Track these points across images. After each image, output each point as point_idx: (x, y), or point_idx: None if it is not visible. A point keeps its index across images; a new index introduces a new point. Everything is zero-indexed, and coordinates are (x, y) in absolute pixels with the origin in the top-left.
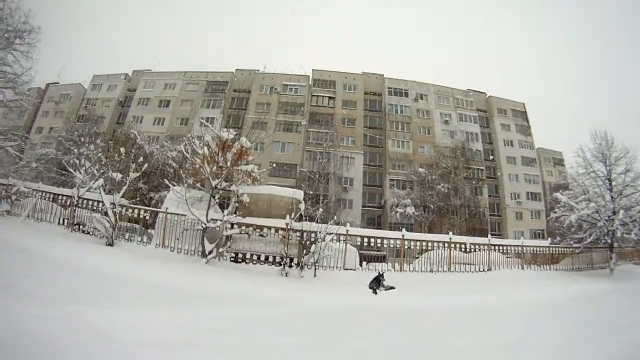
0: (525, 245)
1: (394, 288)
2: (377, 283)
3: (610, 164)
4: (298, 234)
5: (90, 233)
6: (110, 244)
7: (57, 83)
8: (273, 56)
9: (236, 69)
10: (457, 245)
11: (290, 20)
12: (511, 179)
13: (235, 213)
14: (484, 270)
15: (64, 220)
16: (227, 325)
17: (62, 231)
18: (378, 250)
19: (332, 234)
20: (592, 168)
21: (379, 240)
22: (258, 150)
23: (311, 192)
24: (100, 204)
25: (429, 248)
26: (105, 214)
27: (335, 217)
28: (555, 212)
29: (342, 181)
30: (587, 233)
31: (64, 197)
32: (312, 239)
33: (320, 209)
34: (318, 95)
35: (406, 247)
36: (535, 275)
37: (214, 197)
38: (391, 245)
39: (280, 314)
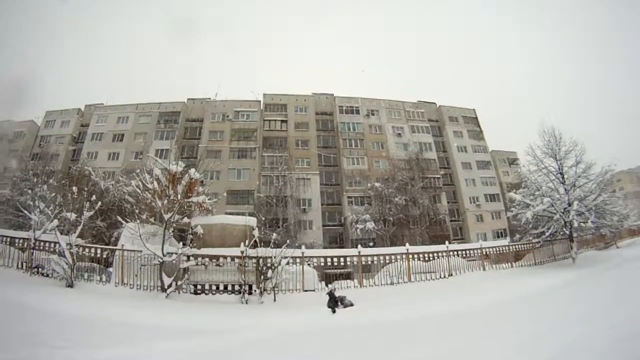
0: (483, 248)
1: (352, 305)
2: (333, 302)
3: (561, 158)
4: (254, 260)
5: (50, 275)
6: (70, 285)
7: (9, 120)
8: (224, 83)
9: (188, 99)
10: (416, 256)
11: (240, 45)
12: (468, 183)
13: (190, 245)
14: (445, 276)
15: (22, 263)
16: (182, 357)
17: (21, 275)
18: (342, 268)
19: (287, 257)
20: (544, 164)
21: (341, 259)
22: (214, 179)
23: (270, 217)
24: (57, 245)
25: (389, 261)
26: (63, 255)
27: (294, 240)
28: (512, 211)
29: (301, 203)
30: (545, 227)
31: (21, 240)
32: (269, 264)
33: (277, 234)
34: (270, 120)
35: (364, 262)
36: (496, 275)
37: (168, 230)
38: (354, 262)
39: (235, 340)
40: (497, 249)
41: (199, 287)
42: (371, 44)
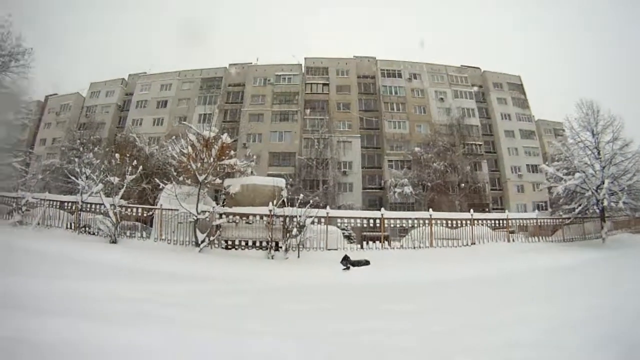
0: (510, 219)
1: (368, 263)
2: (347, 262)
3: (598, 133)
4: (281, 219)
5: (96, 233)
6: (114, 241)
7: (56, 94)
8: (265, 48)
9: (229, 64)
10: (439, 221)
11: (280, 11)
12: (510, 152)
13: (223, 204)
14: (467, 244)
15: (71, 224)
16: (186, 294)
17: (71, 234)
18: (379, 232)
19: (312, 216)
20: (580, 137)
21: (377, 221)
22: (256, 141)
23: (310, 179)
24: (102, 207)
25: (415, 225)
26: (107, 215)
27: (333, 202)
28: (545, 184)
29: (341, 165)
30: (576, 204)
31: (70, 203)
32: (294, 223)
33: (316, 196)
34: (312, 83)
35: (392, 225)
36: (520, 248)
37: (202, 190)
38: (392, 225)
39: (249, 287)
40: (524, 222)
41: (229, 242)
42: (419, 6)
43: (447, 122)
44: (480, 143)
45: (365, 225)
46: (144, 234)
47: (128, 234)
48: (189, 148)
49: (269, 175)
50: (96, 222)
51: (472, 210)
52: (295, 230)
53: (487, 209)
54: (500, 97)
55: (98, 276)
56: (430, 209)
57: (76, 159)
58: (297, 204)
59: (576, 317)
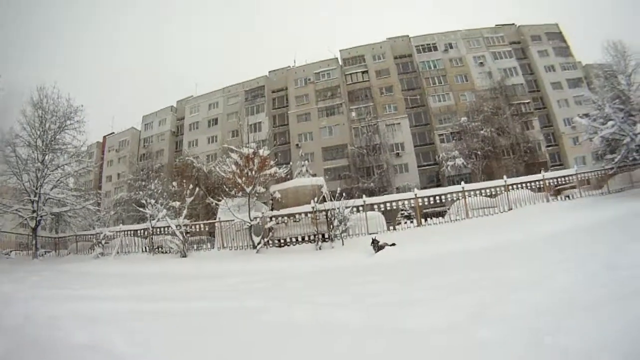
0: (545, 179)
1: (394, 244)
2: (375, 243)
3: (629, 74)
4: (324, 213)
5: (168, 252)
6: (184, 255)
7: (113, 133)
8: (301, 49)
9: (269, 71)
10: (472, 192)
11: (310, 10)
12: (560, 104)
13: (272, 208)
14: (505, 211)
15: (146, 247)
16: (258, 281)
17: (146, 256)
18: (440, 206)
19: (349, 207)
20: (611, 83)
21: (437, 198)
22: (307, 140)
23: (365, 166)
24: (169, 228)
25: (454, 199)
26: (175, 234)
27: (389, 185)
28: (584, 137)
29: (393, 148)
30: (617, 153)
31: (142, 230)
32: (336, 215)
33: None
34: (351, 73)
35: (420, 203)
36: (559, 207)
37: (252, 199)
38: (452, 198)
39: (285, 274)
40: (562, 180)
41: (281, 241)
42: None
43: (490, 86)
44: (528, 101)
45: (389, 208)
46: (209, 245)
47: (195, 247)
48: (232, 166)
49: (325, 169)
50: (166, 242)
51: (544, 170)
52: (336, 221)
53: (544, 168)
54: (541, 50)
55: (168, 280)
56: (505, 177)
57: (140, 192)
58: (335, 199)
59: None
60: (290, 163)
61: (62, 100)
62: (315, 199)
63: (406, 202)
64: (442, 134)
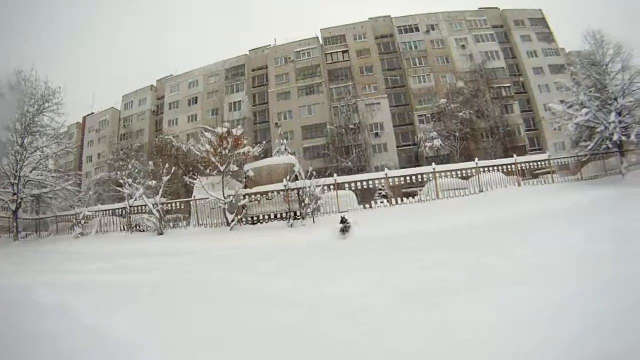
0: (518, 162)
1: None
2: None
3: (606, 64)
4: (295, 191)
5: (145, 230)
6: (161, 233)
7: (92, 113)
8: (282, 28)
9: (249, 50)
10: (443, 174)
11: None
12: (542, 90)
13: (245, 186)
14: (475, 193)
15: (124, 226)
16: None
17: (124, 234)
18: (415, 186)
19: (319, 185)
20: (588, 71)
21: (416, 177)
22: (287, 119)
23: (344, 145)
24: (146, 207)
25: (426, 180)
26: (151, 213)
27: (367, 164)
28: (558, 123)
29: (372, 127)
30: (591, 140)
31: (120, 209)
32: (307, 193)
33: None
34: (331, 52)
35: (390, 183)
36: (530, 191)
37: (225, 177)
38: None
39: (264, 248)
40: (534, 164)
41: (255, 218)
42: None
43: (471, 68)
44: (509, 84)
45: (366, 187)
46: (185, 223)
47: (172, 225)
48: (207, 145)
49: (304, 148)
50: (144, 220)
51: (525, 154)
52: (307, 199)
53: (522, 152)
54: (524, 35)
55: (145, 255)
56: (477, 159)
57: (119, 172)
58: (307, 177)
59: None
60: (270, 141)
61: (40, 83)
62: (288, 177)
63: (377, 181)
64: (421, 115)
